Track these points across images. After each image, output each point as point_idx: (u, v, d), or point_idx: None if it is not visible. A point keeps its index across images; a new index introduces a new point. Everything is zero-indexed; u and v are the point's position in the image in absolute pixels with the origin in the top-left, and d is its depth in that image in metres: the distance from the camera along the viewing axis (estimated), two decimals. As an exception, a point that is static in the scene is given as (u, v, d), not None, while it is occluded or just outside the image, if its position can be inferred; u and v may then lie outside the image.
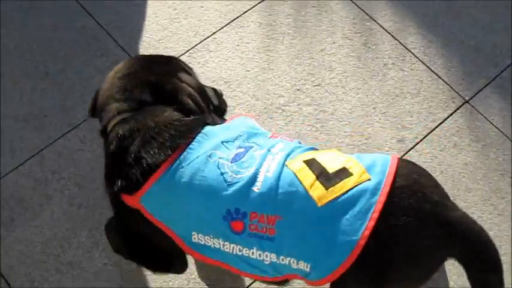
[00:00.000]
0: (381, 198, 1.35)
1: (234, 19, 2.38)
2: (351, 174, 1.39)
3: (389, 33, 2.34)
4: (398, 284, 1.40)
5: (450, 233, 1.35)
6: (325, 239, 1.35)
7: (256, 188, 1.39)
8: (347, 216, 1.35)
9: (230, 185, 1.40)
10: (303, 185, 1.38)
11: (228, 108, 1.93)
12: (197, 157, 1.44)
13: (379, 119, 2.17)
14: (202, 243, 1.45)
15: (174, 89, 1.57)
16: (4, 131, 2.19)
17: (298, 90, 2.24)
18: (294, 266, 1.40)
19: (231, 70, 2.27)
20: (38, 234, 2.02)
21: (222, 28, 2.36)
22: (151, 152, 1.45)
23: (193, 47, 2.31)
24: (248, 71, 2.27)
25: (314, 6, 2.41)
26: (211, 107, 1.67)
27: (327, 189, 1.37)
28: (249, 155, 1.44)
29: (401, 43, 2.32)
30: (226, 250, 1.44)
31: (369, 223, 1.33)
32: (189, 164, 1.43)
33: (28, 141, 2.11)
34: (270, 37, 2.35)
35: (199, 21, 2.37)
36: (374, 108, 2.19)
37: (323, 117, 2.18)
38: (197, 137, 1.47)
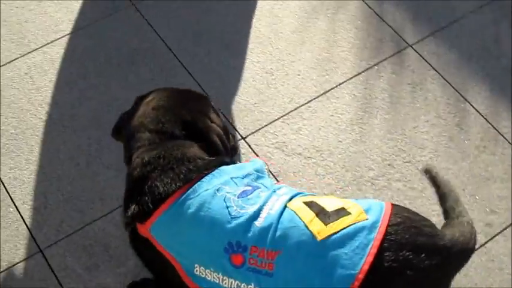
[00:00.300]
0: (378, 236, 1.43)
1: (330, 89, 2.55)
2: (349, 213, 1.47)
3: (483, 116, 2.48)
4: None
5: (447, 256, 1.46)
6: (324, 272, 1.40)
7: (258, 223, 1.47)
8: (346, 251, 1.41)
9: (234, 218, 1.48)
10: (302, 221, 1.46)
11: (318, 177, 2.10)
12: (206, 190, 1.53)
13: (468, 201, 2.28)
14: (203, 276, 1.52)
15: (206, 128, 1.71)
16: (96, 178, 2.38)
17: (388, 165, 2.37)
18: None
19: (324, 139, 2.43)
20: (122, 283, 2.16)
21: (317, 97, 2.53)
22: (165, 182, 1.56)
23: (287, 113, 2.49)
24: (340, 141, 2.42)
25: (409, 84, 2.57)
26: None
27: (326, 225, 1.44)
28: (255, 194, 1.54)
29: (494, 127, 2.46)
30: (225, 285, 1.50)
31: (368, 258, 1.40)
32: (197, 195, 1.53)
33: (119, 190, 2.30)
34: (364, 110, 2.50)
35: (295, 88, 2.55)
36: (463, 189, 2.31)
37: (412, 195, 2.30)
38: (211, 173, 1.57)
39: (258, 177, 1.64)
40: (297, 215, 1.48)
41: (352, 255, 1.41)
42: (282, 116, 2.46)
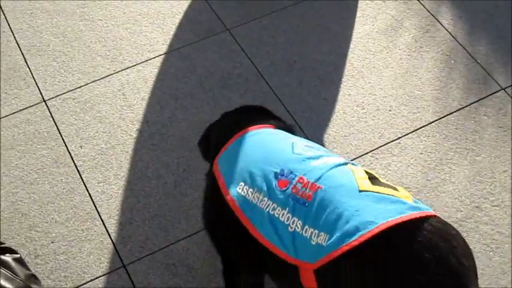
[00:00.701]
0: (414, 215, 1.54)
1: (420, 127, 2.73)
2: (398, 191, 1.64)
3: None
4: None
5: None
6: (350, 216, 1.55)
7: (314, 163, 1.71)
8: (378, 206, 1.56)
9: (295, 153, 1.74)
10: (354, 175, 1.65)
11: None
12: (276, 133, 1.86)
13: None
14: (243, 194, 1.74)
15: None
16: (183, 199, 2.59)
17: (476, 207, 2.53)
18: (313, 240, 1.58)
19: (412, 176, 2.60)
20: (204, 304, 2.29)
21: (407, 134, 2.71)
22: (237, 126, 1.91)
23: (377, 148, 2.68)
24: (429, 180, 2.60)
25: (501, 127, 2.74)
26: None
27: (373, 184, 1.63)
28: (321, 150, 1.81)
29: None
30: (261, 206, 1.70)
31: (395, 220, 1.52)
32: (266, 134, 1.86)
33: None
34: (454, 150, 2.68)
35: (385, 123, 2.74)
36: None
37: (499, 239, 2.45)
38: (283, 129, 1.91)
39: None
40: (351, 170, 1.67)
41: (381, 212, 1.54)
42: (371, 151, 2.64)
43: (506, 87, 2.81)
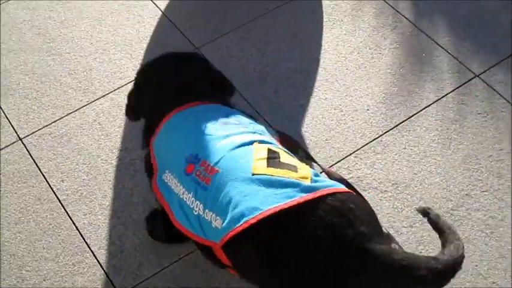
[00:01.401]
0: (306, 197, 1.59)
1: (400, 123, 2.73)
2: (295, 172, 1.67)
3: (558, 145, 2.63)
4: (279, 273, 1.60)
5: (365, 262, 1.54)
6: (239, 200, 1.63)
7: (219, 144, 1.76)
8: (268, 191, 1.62)
9: (207, 135, 1.80)
10: (253, 157, 1.70)
11: (396, 210, 2.45)
12: (197, 112, 1.91)
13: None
14: (166, 181, 1.84)
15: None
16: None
17: (466, 195, 2.53)
18: (213, 223, 1.68)
19: (398, 172, 2.60)
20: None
21: (388, 131, 2.71)
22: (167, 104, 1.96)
23: (359, 148, 2.67)
24: (415, 174, 2.59)
25: (480, 113, 2.74)
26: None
27: (267, 167, 1.67)
28: (235, 126, 1.84)
29: None
30: (176, 191, 1.80)
31: (282, 205, 1.57)
32: (188, 113, 1.90)
33: None
34: (437, 141, 2.68)
35: (365, 123, 2.74)
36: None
37: (492, 223, 2.45)
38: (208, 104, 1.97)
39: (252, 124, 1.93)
40: (253, 151, 1.72)
41: (269, 197, 1.60)
42: (354, 152, 2.63)
43: (480, 74, 2.83)
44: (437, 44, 2.92)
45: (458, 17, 3.02)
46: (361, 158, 2.60)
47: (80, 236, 2.45)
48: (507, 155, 2.58)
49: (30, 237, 2.46)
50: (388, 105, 2.74)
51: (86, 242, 2.47)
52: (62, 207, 2.52)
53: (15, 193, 2.58)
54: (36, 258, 2.41)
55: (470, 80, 2.81)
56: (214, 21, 3.09)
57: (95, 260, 2.43)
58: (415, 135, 2.65)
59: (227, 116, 1.90)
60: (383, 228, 1.73)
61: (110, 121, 2.79)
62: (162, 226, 2.35)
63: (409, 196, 2.48)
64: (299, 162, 1.76)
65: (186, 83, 2.02)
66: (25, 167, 2.65)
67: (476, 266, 2.29)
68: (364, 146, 2.64)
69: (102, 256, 2.46)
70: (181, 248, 2.44)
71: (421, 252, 2.33)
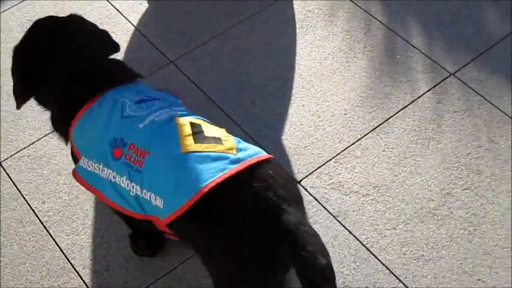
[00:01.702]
0: (236, 169, 1.70)
1: (378, 125, 2.75)
2: (221, 144, 1.76)
3: (535, 138, 2.66)
4: (217, 245, 1.70)
5: (277, 225, 1.64)
6: (176, 180, 1.70)
7: (142, 125, 1.81)
8: (201, 167, 1.70)
9: (124, 117, 1.85)
10: (179, 134, 1.76)
11: (378, 213, 2.44)
12: (112, 97, 1.92)
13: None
14: (86, 168, 1.90)
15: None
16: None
17: (447, 194, 2.55)
18: (153, 202, 1.77)
19: (379, 175, 2.61)
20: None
21: (366, 134, 2.73)
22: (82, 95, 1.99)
23: (339, 153, 2.68)
24: (396, 175, 2.61)
25: (457, 112, 2.77)
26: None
27: (195, 143, 1.74)
28: (151, 103, 1.89)
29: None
30: (103, 175, 1.85)
31: (217, 179, 1.68)
32: (105, 101, 1.92)
33: (180, 245, 2.52)
34: (416, 142, 2.70)
35: (343, 127, 2.75)
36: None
37: (475, 221, 2.47)
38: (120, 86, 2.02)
39: (164, 99, 1.98)
40: (177, 128, 1.78)
41: (204, 173, 1.69)
42: (334, 157, 2.65)
43: (454, 72, 2.85)
44: (411, 44, 2.95)
45: (430, 16, 3.05)
46: (341, 163, 2.61)
47: (64, 257, 2.45)
48: (486, 151, 2.60)
49: (14, 261, 2.46)
50: (365, 109, 2.76)
51: (71, 263, 2.46)
52: (44, 229, 2.52)
53: (-3, 217, 2.56)
54: (21, 281, 2.41)
55: (445, 78, 2.83)
56: (189, 33, 3.10)
57: (81, 281, 2.43)
58: (394, 137, 2.66)
59: (137, 93, 1.95)
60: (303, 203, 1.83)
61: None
62: (145, 242, 2.38)
63: (390, 198, 2.50)
64: (221, 131, 1.86)
65: (82, 71, 2.03)
66: (5, 190, 2.64)
67: (461, 264, 2.32)
68: (343, 150, 2.65)
69: (88, 276, 2.47)
70: (166, 263, 2.45)
71: (405, 253, 2.34)
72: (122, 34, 3.12)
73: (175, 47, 3.04)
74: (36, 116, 2.85)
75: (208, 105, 2.85)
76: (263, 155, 1.79)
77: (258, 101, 2.82)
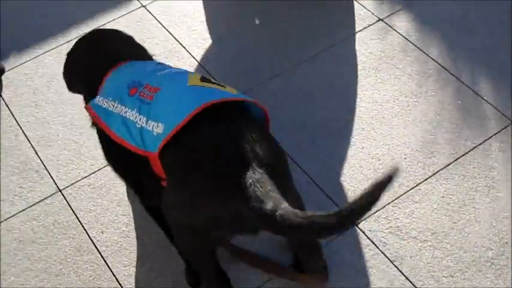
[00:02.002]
0: (230, 98, 1.93)
1: (438, 171, 2.76)
2: (223, 87, 2.03)
3: None
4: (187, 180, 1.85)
5: (238, 176, 1.75)
6: (178, 105, 1.92)
7: (160, 73, 2.08)
8: (200, 97, 1.92)
9: (146, 71, 2.14)
10: (188, 76, 2.04)
11: (436, 260, 2.48)
12: (132, 64, 2.23)
13: None
14: (100, 104, 2.14)
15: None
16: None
17: (506, 243, 2.54)
18: (155, 131, 1.96)
19: (437, 221, 2.62)
20: None
21: (426, 179, 2.73)
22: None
23: (398, 197, 2.69)
24: (454, 222, 2.61)
25: (518, 161, 2.76)
26: None
27: (201, 82, 2.00)
28: (170, 67, 2.16)
29: None
30: (115, 111, 2.08)
31: (207, 102, 1.90)
32: (125, 66, 2.22)
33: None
34: (475, 190, 2.69)
35: (403, 172, 2.77)
36: None
37: (534, 273, 2.45)
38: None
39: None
40: (188, 75, 2.05)
41: (199, 100, 1.90)
42: (392, 201, 2.66)
43: (516, 121, 2.83)
44: (473, 90, 2.96)
45: (493, 63, 3.06)
46: (399, 207, 2.62)
47: (120, 287, 2.47)
48: (547, 202, 2.58)
49: (71, 289, 2.49)
50: (425, 154, 2.77)
51: (128, 295, 2.46)
52: (101, 259, 2.57)
53: (55, 244, 2.63)
54: (78, 310, 2.44)
55: (507, 126, 2.84)
56: (251, 71, 3.16)
57: (137, 312, 2.41)
58: (453, 184, 2.67)
59: (161, 64, 2.20)
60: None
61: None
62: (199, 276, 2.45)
63: (448, 245, 2.50)
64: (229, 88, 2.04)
65: (118, 48, 2.33)
66: (65, 218, 2.70)
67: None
68: (402, 195, 2.66)
69: (144, 308, 2.42)
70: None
71: (462, 303, 2.34)
72: (184, 67, 3.17)
73: (237, 84, 3.08)
74: (98, 145, 2.91)
75: (268, 143, 2.84)
76: (258, 104, 2.04)
77: (318, 141, 2.85)
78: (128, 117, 2.05)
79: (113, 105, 2.09)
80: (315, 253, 2.21)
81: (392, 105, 2.97)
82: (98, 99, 2.14)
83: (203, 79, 2.03)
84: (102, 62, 2.24)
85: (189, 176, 1.82)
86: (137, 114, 2.02)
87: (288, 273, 2.38)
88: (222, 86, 2.02)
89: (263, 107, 2.08)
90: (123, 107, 2.06)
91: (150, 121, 1.98)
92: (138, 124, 2.01)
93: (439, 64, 3.10)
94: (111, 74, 2.18)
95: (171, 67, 2.17)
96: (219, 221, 1.80)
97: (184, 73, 2.06)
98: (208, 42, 3.32)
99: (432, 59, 3.13)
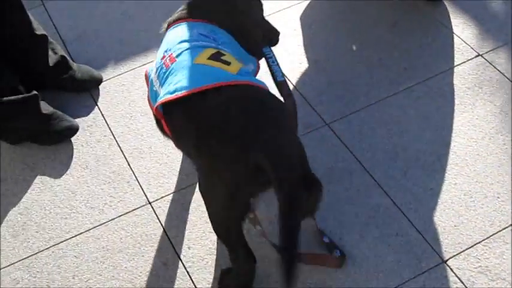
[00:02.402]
0: (223, 83, 2.09)
1: (532, 213, 2.71)
2: (227, 65, 2.20)
3: None
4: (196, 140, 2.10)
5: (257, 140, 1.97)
6: (177, 80, 2.18)
7: (187, 45, 2.29)
8: (200, 76, 2.14)
9: (182, 41, 2.34)
10: (200, 53, 2.24)
11: None
12: (182, 27, 2.44)
13: None
14: (151, 68, 2.41)
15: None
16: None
17: None
18: (161, 94, 2.22)
19: (529, 264, 2.57)
20: None
21: (519, 222, 2.69)
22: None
23: (489, 237, 2.67)
24: (547, 267, 2.56)
25: None
26: None
27: (207, 59, 2.19)
28: (207, 39, 2.34)
29: None
30: (151, 74, 2.37)
31: (206, 86, 2.09)
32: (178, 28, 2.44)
33: None
34: None
35: (495, 211, 2.74)
36: None
37: None
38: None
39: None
40: (203, 50, 2.25)
41: (200, 79, 2.13)
42: (483, 240, 2.64)
43: None
44: None
45: None
46: (490, 247, 2.60)
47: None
48: None
49: (156, 302, 2.54)
50: (520, 195, 2.73)
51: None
52: (187, 274, 2.62)
53: (142, 256, 2.70)
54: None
55: None
56: (346, 98, 3.18)
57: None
58: (548, 228, 2.63)
59: (210, 31, 2.38)
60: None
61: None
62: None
63: (540, 290, 2.46)
64: (237, 62, 2.26)
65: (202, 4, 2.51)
66: (153, 230, 2.76)
67: None
68: (493, 234, 2.64)
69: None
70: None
71: None
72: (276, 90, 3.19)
73: (331, 110, 3.13)
74: (187, 161, 2.97)
75: (359, 172, 2.95)
76: (258, 83, 2.18)
77: (410, 173, 2.85)
78: (152, 78, 2.35)
79: (152, 71, 2.40)
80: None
81: (488, 142, 2.95)
82: (153, 64, 2.43)
83: (212, 56, 2.20)
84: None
85: (207, 142, 2.03)
86: (156, 77, 2.30)
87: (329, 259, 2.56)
88: (228, 63, 2.19)
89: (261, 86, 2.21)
90: (154, 68, 2.37)
91: (161, 86, 2.24)
92: (155, 87, 2.29)
93: (538, 104, 3.06)
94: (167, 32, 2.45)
95: (208, 38, 2.34)
96: (241, 180, 2.02)
97: (198, 48, 2.25)
98: (305, 65, 3.35)
99: (531, 98, 3.09)
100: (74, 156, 3.09)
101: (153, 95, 2.30)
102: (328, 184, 2.87)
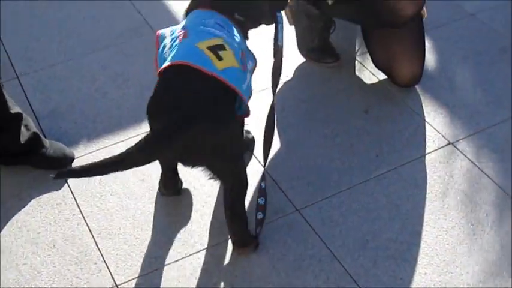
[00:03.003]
0: (193, 66, 2.47)
1: (502, 302, 2.73)
2: (219, 60, 2.49)
3: None
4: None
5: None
6: (173, 55, 2.52)
7: (201, 27, 2.58)
8: (191, 55, 2.52)
9: (201, 25, 2.61)
10: (206, 40, 2.53)
11: None
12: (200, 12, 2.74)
13: None
14: (164, 33, 2.74)
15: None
16: None
17: None
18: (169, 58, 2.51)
19: None
20: None
21: (488, 313, 2.71)
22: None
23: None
24: None
25: None
26: None
27: (206, 47, 2.49)
28: (221, 29, 2.63)
29: None
30: (165, 42, 2.66)
31: (180, 62, 2.50)
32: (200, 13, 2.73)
33: None
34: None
35: (465, 303, 2.75)
36: None
37: None
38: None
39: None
40: (209, 37, 2.55)
41: (185, 58, 2.51)
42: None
43: None
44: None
45: None
46: None
47: None
48: None
49: None
50: (491, 285, 2.76)
51: None
52: None
53: None
54: None
55: None
56: (317, 183, 3.23)
57: None
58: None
59: (223, 25, 2.64)
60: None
61: (206, 278, 2.89)
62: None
63: None
64: (233, 59, 2.53)
65: None
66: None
67: None
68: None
69: None
70: None
71: None
72: (252, 176, 3.21)
73: (302, 196, 3.15)
74: (158, 244, 3.15)
75: (328, 259, 2.99)
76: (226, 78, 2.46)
77: (380, 262, 2.87)
78: (164, 48, 2.65)
79: (166, 40, 2.70)
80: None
81: (458, 232, 3.00)
82: (164, 31, 2.80)
83: (212, 47, 2.48)
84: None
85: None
86: (168, 49, 2.59)
87: None
88: (220, 58, 2.45)
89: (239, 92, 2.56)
90: (168, 39, 2.67)
91: (168, 56, 2.53)
92: (166, 55, 2.59)
93: (508, 194, 3.10)
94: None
95: (223, 29, 2.61)
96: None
97: (209, 35, 2.55)
98: (277, 147, 3.39)
99: (501, 188, 3.13)
100: (41, 234, 3.05)
101: (161, 58, 2.57)
102: (297, 271, 2.87)
